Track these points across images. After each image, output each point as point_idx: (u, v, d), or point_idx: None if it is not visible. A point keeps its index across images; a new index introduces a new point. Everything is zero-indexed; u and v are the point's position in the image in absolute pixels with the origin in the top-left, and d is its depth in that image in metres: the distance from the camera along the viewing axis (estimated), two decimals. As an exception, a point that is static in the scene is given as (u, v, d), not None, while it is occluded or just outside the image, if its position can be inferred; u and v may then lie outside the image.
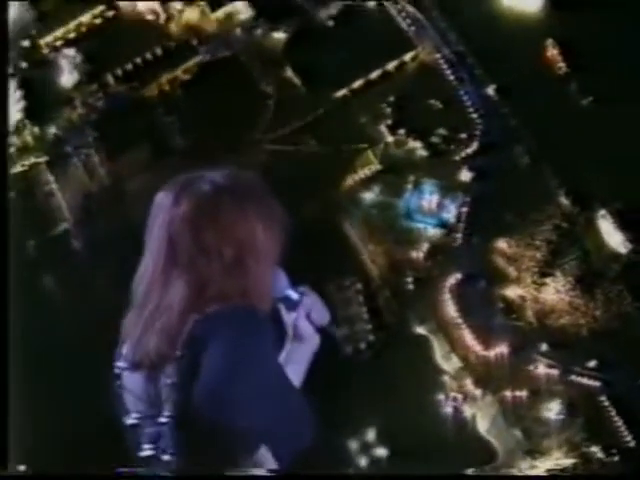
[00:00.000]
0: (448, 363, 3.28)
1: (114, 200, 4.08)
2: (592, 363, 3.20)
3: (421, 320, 3.39)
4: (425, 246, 3.50)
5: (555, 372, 3.22)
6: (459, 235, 3.47)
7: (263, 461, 1.59)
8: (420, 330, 3.34)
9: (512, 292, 3.35)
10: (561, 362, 3.26)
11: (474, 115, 3.83)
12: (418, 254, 3.51)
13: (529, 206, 3.62)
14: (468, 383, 3.27)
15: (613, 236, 3.41)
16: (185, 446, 1.50)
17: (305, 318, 1.62)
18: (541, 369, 3.25)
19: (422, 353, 3.27)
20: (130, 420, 1.59)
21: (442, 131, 3.78)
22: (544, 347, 3.21)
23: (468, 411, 3.22)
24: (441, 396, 3.22)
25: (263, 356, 1.43)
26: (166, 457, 1.52)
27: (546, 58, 3.77)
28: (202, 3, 4.18)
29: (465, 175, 3.66)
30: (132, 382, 1.60)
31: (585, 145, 3.70)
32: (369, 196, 3.71)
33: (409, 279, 3.48)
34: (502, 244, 3.46)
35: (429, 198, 3.55)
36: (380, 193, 3.70)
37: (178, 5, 4.20)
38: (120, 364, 1.60)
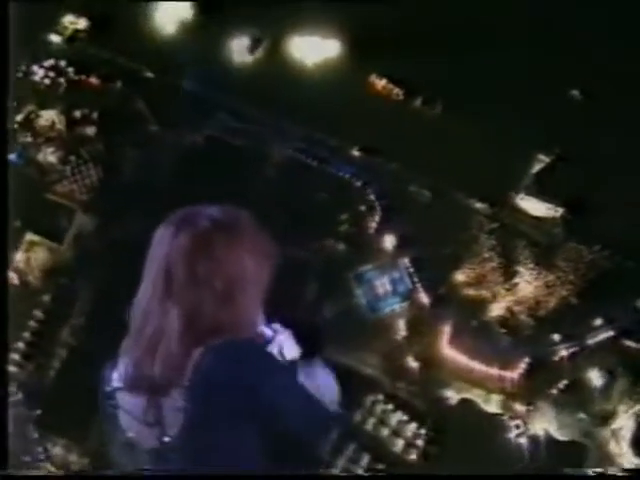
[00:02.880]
0: (492, 404, 3.44)
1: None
2: (598, 321, 3.41)
3: (447, 386, 3.53)
4: (401, 323, 3.64)
5: (575, 348, 3.40)
6: (423, 294, 3.60)
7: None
8: (454, 398, 3.48)
9: (497, 311, 3.51)
10: (574, 337, 3.45)
11: (358, 184, 3.93)
12: (398, 334, 3.58)
13: (455, 230, 3.77)
14: (517, 407, 3.44)
15: (540, 208, 3.59)
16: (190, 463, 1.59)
17: (278, 354, 1.73)
18: (563, 353, 3.43)
19: (470, 417, 3.42)
20: (125, 438, 1.67)
21: (344, 216, 3.88)
22: (555, 337, 3.36)
23: (536, 428, 3.40)
24: (509, 435, 3.40)
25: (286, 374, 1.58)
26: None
27: (380, 92, 3.90)
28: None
29: (389, 242, 3.78)
30: (129, 403, 1.67)
31: (457, 151, 3.85)
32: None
33: (412, 361, 3.63)
34: (460, 276, 3.59)
35: (378, 284, 3.61)
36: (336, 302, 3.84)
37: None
38: (115, 384, 1.68)
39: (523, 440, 3.40)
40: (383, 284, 3.67)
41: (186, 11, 4.18)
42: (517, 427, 3.42)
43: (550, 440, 3.44)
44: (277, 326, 1.76)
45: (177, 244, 1.61)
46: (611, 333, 3.45)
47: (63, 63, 4.21)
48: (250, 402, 1.55)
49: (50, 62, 4.23)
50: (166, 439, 1.61)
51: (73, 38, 4.31)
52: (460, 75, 3.92)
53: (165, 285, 1.60)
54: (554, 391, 3.48)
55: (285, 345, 1.75)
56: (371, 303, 3.72)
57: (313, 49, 4.12)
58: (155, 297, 1.62)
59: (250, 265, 1.63)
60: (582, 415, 3.43)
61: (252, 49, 4.55)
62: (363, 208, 3.80)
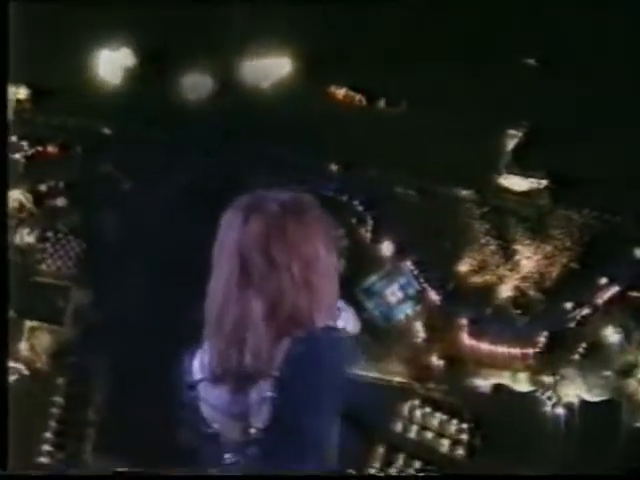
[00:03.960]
0: (521, 383, 3.90)
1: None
2: (602, 280, 3.97)
3: (475, 375, 4.06)
4: (418, 325, 4.04)
5: (587, 311, 3.94)
6: (433, 292, 4.11)
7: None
8: (485, 385, 4.02)
9: (506, 292, 4.04)
10: (583, 301, 4.00)
11: (344, 199, 4.40)
12: (418, 337, 4.03)
13: (447, 223, 4.25)
14: (545, 380, 3.97)
15: (523, 183, 4.04)
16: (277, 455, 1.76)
17: (343, 331, 1.93)
18: (577, 318, 3.96)
19: (504, 400, 3.94)
20: (210, 430, 1.83)
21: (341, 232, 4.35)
22: (567, 305, 3.84)
23: (569, 396, 3.86)
24: (545, 408, 3.85)
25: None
26: (248, 464, 1.80)
27: (342, 101, 4.26)
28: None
29: (387, 249, 4.20)
30: (213, 394, 1.83)
31: (431, 146, 4.32)
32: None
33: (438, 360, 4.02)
34: (464, 267, 4.11)
35: (388, 292, 4.05)
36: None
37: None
38: (197, 376, 1.84)
39: (559, 410, 3.87)
40: (393, 292, 4.11)
41: (128, 58, 4.41)
42: (549, 399, 3.89)
43: (583, 404, 3.89)
44: (341, 303, 1.93)
45: (250, 230, 1.76)
46: (617, 289, 3.94)
47: (14, 139, 4.35)
48: (336, 393, 1.76)
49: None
50: (252, 431, 1.79)
51: (18, 110, 4.45)
52: (418, 70, 4.24)
53: (242, 273, 1.75)
54: (576, 356, 3.97)
55: (349, 321, 1.98)
56: (384, 313, 4.16)
57: (266, 72, 4.40)
58: (232, 285, 1.76)
59: (322, 249, 1.80)
60: (607, 373, 3.89)
61: (203, 86, 4.60)
62: (354, 221, 4.22)
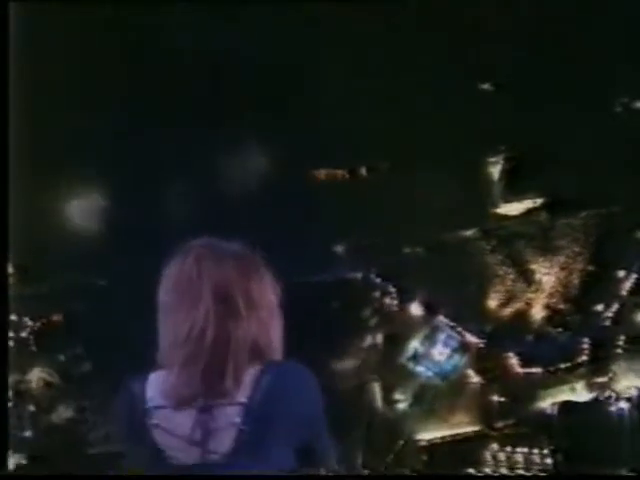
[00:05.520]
0: (581, 393, 4.68)
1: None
2: (620, 273, 4.64)
3: (538, 400, 5.06)
4: (471, 373, 4.86)
5: (617, 306, 4.56)
6: (474, 337, 4.87)
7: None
8: (549, 407, 4.83)
9: (539, 314, 4.74)
10: (610, 297, 4.65)
11: (358, 277, 5.36)
12: (475, 383, 4.88)
13: (463, 267, 4.98)
14: (600, 382, 4.67)
15: (519, 206, 4.81)
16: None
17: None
18: (610, 315, 4.60)
19: (571, 414, 4.71)
20: (157, 454, 2.12)
21: (367, 312, 5.19)
22: (598, 307, 4.61)
23: (626, 390, 4.64)
24: (610, 409, 4.62)
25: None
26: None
27: (326, 179, 5.07)
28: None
29: (416, 310, 5.00)
30: (173, 420, 2.12)
31: (422, 199, 5.15)
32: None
33: None
34: (492, 302, 4.84)
35: (435, 352, 4.83)
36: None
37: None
38: (156, 401, 2.14)
39: (622, 404, 4.63)
40: (439, 350, 4.88)
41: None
42: (609, 398, 4.66)
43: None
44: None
45: (227, 268, 2.18)
46: (635, 276, 4.72)
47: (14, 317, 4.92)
48: (301, 423, 2.13)
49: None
50: (213, 456, 2.10)
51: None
52: (388, 129, 5.06)
53: (225, 306, 2.15)
54: (619, 350, 4.72)
55: None
56: (438, 372, 4.92)
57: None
58: (213, 315, 2.14)
59: (273, 294, 2.28)
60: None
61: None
62: (377, 295, 5.06)
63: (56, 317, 5.21)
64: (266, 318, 2.23)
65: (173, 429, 2.12)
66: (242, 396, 2.12)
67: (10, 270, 5.04)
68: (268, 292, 2.25)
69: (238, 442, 2.10)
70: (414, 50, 5.17)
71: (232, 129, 5.37)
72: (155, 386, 2.17)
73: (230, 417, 2.11)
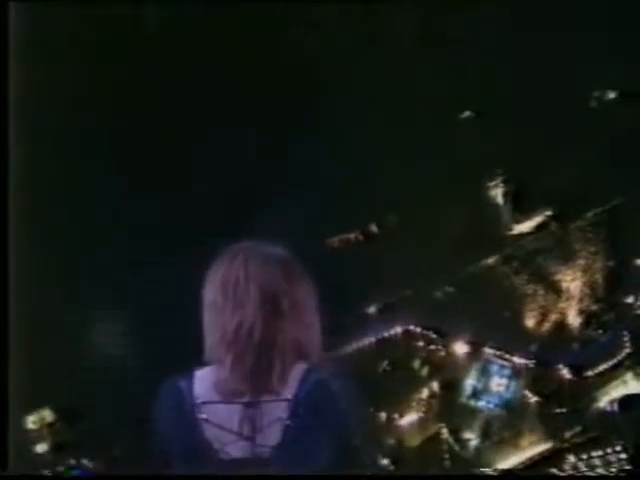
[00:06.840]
0: (632, 385, 5.39)
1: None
2: (638, 261, 5.37)
3: (597, 401, 5.81)
4: (529, 394, 5.58)
5: None
6: (523, 361, 5.57)
7: None
8: (609, 404, 5.54)
9: (576, 321, 5.44)
10: (638, 287, 5.37)
11: (398, 333, 6.32)
12: (535, 404, 5.60)
13: (493, 295, 5.65)
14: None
15: (531, 223, 5.57)
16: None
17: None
18: None
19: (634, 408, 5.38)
20: (205, 448, 2.40)
21: (416, 363, 5.77)
22: (629, 299, 5.24)
23: None
24: None
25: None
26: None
27: (343, 245, 5.86)
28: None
29: (461, 349, 5.67)
30: (220, 414, 2.41)
31: (439, 242, 5.99)
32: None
33: None
34: (530, 322, 5.57)
35: (493, 385, 5.50)
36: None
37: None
38: (205, 397, 2.42)
39: None
40: (496, 382, 5.63)
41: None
42: None
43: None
44: None
45: (273, 270, 2.47)
46: None
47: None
48: (338, 422, 2.42)
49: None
50: (262, 450, 2.39)
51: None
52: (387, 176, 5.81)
53: (272, 307, 2.44)
54: None
55: None
56: (500, 404, 5.68)
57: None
58: (260, 315, 2.43)
59: (313, 297, 2.54)
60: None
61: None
62: (422, 344, 5.84)
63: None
64: (308, 319, 2.50)
65: (222, 423, 2.41)
66: (288, 393, 2.42)
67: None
68: (309, 295, 2.53)
69: (284, 436, 2.39)
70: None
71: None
72: (204, 382, 2.45)
73: (277, 413, 2.40)
